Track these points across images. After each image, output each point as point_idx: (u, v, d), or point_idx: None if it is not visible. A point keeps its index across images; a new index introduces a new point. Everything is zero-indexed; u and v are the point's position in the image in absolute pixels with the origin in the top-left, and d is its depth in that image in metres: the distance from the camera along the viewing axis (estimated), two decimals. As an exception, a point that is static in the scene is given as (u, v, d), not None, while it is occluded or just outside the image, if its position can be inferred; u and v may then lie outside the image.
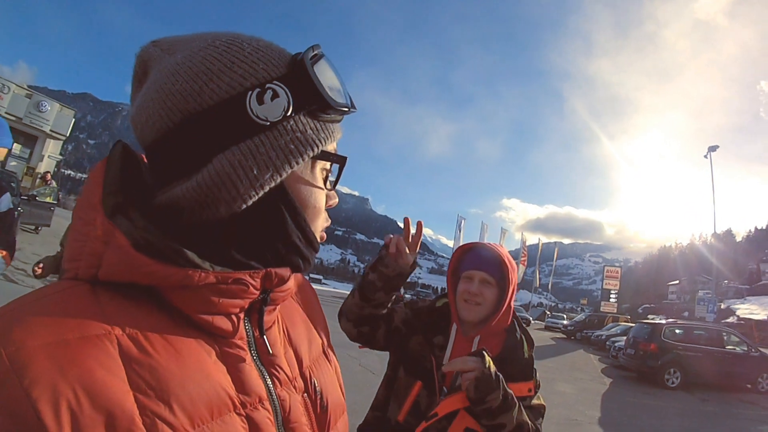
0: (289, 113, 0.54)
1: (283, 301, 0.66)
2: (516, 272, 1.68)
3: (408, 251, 1.58)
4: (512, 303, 1.66)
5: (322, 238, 0.66)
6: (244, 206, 0.54)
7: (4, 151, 2.77)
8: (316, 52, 0.58)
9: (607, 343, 20.78)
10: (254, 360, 0.60)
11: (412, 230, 1.57)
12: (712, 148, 31.07)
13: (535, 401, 1.62)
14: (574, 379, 13.01)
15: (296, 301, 0.80)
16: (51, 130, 23.61)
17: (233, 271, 0.55)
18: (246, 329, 0.60)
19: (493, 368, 1.44)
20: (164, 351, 0.49)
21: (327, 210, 0.67)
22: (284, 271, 0.60)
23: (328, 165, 0.64)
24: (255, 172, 0.53)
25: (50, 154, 24.61)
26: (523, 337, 1.67)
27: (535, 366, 1.66)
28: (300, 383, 0.67)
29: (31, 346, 0.42)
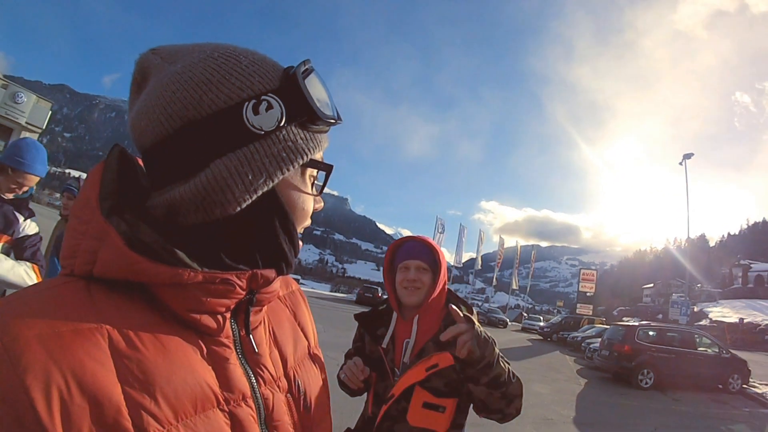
0: (282, 123, 0.57)
1: (269, 302, 0.69)
2: (444, 257, 1.87)
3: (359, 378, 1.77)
4: (445, 283, 1.86)
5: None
6: (238, 209, 0.57)
7: (36, 179, 2.70)
8: (307, 66, 0.61)
9: (583, 344, 21.09)
10: (239, 358, 0.62)
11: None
12: (687, 156, 31.57)
13: None
14: (549, 380, 13.16)
15: (285, 304, 0.82)
16: (27, 123, 23.04)
17: (221, 272, 0.57)
18: (232, 329, 0.62)
19: (481, 327, 1.56)
20: (152, 346, 0.52)
21: None
22: (269, 273, 0.63)
23: (315, 172, 0.67)
24: (250, 177, 0.56)
25: (25, 147, 24.04)
26: (461, 305, 1.74)
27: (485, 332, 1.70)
28: (284, 383, 0.69)
29: (26, 336, 0.44)
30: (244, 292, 0.61)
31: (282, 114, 0.57)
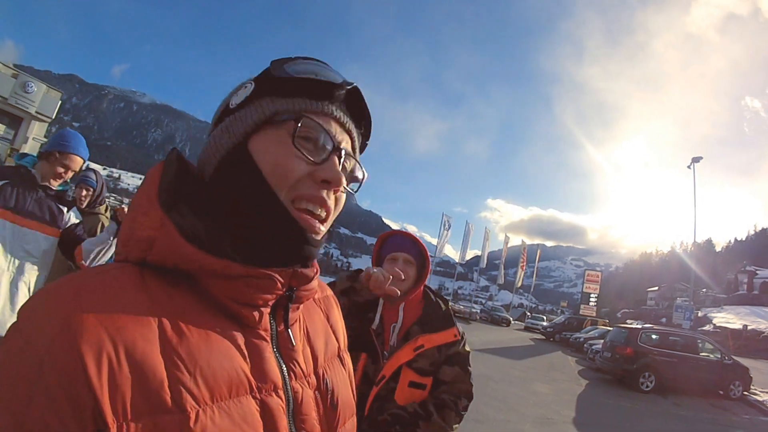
0: (251, 97, 0.67)
1: (307, 300, 0.73)
2: (428, 253, 2.04)
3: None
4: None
5: (314, 222, 0.65)
6: (212, 169, 0.66)
7: (81, 161, 2.81)
8: (289, 57, 0.69)
9: (585, 345, 21.06)
10: (274, 351, 0.66)
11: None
12: (696, 159, 31.26)
13: (463, 348, 2.00)
14: (551, 380, 13.19)
15: (319, 307, 0.85)
16: (37, 112, 23.08)
17: (264, 268, 0.62)
18: (270, 323, 0.67)
19: (460, 327, 1.99)
20: (195, 331, 0.57)
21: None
22: (309, 272, 0.68)
23: (306, 132, 0.65)
24: (220, 140, 0.66)
25: (35, 137, 24.11)
26: (438, 299, 2.06)
27: (457, 323, 2.02)
28: (313, 380, 0.72)
29: (85, 310, 0.50)
30: (284, 289, 0.66)
31: (252, 91, 0.67)
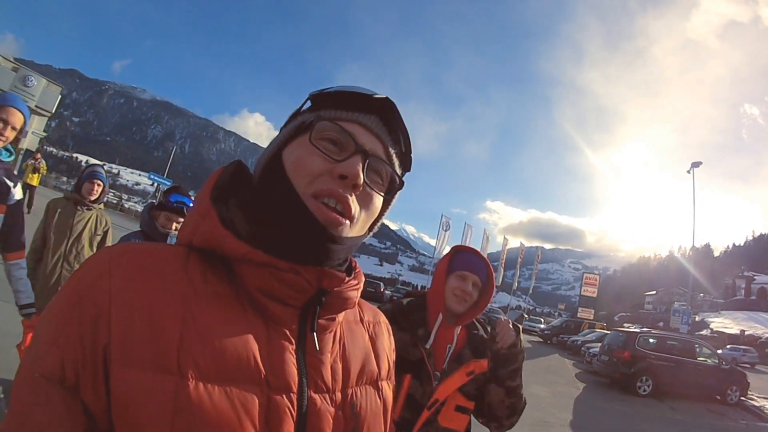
0: (293, 117, 0.75)
1: (342, 309, 0.72)
2: (494, 277, 1.96)
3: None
4: None
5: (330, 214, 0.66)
6: (258, 175, 0.72)
7: (20, 116, 2.51)
8: (328, 87, 0.74)
9: (583, 348, 21.03)
10: (296, 354, 0.65)
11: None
12: (696, 164, 31.25)
13: None
14: (548, 383, 13.16)
15: (366, 329, 0.84)
16: (36, 106, 23.08)
17: (291, 262, 0.64)
18: (300, 326, 0.67)
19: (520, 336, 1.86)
20: (220, 313, 0.61)
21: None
22: (340, 274, 0.68)
23: (325, 133, 0.69)
24: (264, 151, 0.74)
25: (34, 131, 24.08)
26: (479, 325, 2.02)
27: None
28: (338, 397, 0.69)
29: (132, 266, 0.59)
30: (313, 289, 0.66)
31: (294, 112, 0.75)
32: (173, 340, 0.55)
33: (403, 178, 0.78)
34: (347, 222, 0.67)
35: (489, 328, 2.00)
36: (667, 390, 13.41)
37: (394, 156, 0.75)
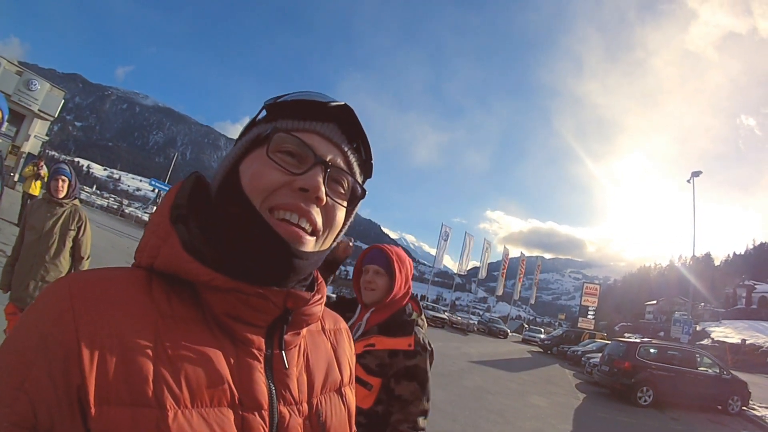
0: (247, 128, 0.72)
1: (307, 325, 0.73)
2: (405, 264, 2.11)
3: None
4: (408, 290, 2.11)
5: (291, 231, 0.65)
6: (215, 191, 0.69)
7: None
8: (286, 93, 0.72)
9: (583, 359, 20.92)
10: (265, 372, 0.66)
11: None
12: (696, 174, 31.21)
13: (424, 362, 1.98)
14: (548, 393, 13.11)
15: (327, 338, 0.84)
16: (39, 110, 23.14)
17: (256, 285, 0.64)
18: (266, 344, 0.67)
19: (428, 340, 2.04)
20: (188, 338, 0.60)
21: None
22: (305, 294, 0.68)
23: (283, 145, 0.67)
24: (220, 166, 0.71)
25: (36, 134, 24.14)
26: (414, 313, 2.12)
27: (426, 338, 2.06)
28: (305, 408, 0.70)
29: (93, 299, 0.56)
30: (279, 310, 0.66)
31: (248, 122, 0.73)
32: (148, 372, 0.55)
33: (365, 186, 0.76)
34: (311, 237, 0.67)
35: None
36: (668, 400, 13.35)
37: (354, 164, 0.74)
